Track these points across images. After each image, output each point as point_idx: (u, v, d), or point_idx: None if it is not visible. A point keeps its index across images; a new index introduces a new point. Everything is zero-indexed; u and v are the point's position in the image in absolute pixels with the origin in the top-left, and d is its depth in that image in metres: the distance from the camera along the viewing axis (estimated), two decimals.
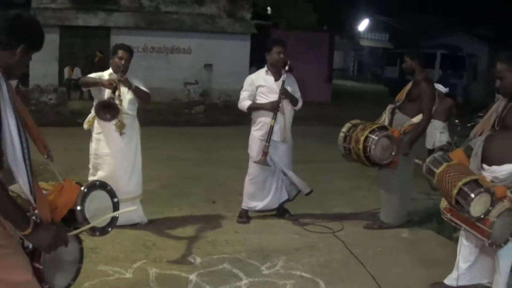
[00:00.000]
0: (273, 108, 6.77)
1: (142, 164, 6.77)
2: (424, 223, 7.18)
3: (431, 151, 9.60)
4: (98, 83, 6.37)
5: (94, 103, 6.48)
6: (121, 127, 6.40)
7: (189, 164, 10.62)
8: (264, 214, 7.26)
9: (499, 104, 4.79)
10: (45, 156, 3.02)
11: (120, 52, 6.51)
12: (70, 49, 19.65)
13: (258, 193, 7.11)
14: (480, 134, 4.85)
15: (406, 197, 7.08)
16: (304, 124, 17.06)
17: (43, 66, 18.25)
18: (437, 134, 10.31)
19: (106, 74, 6.54)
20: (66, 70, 19.91)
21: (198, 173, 9.81)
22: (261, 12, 23.43)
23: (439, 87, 10.27)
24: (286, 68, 6.89)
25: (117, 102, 6.26)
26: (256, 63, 17.38)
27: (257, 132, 7.01)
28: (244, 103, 6.96)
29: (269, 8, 24.96)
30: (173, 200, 7.95)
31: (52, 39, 18.25)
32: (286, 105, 6.91)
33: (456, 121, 10.37)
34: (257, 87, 6.93)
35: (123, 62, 6.46)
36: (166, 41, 21.30)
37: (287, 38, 23.67)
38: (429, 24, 44.54)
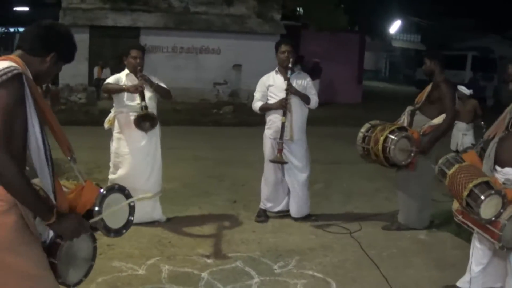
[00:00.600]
0: (281, 106, 6.80)
1: (163, 163, 6.88)
2: (443, 225, 7.13)
3: (457, 153, 9.55)
4: (124, 89, 6.47)
5: (114, 104, 6.61)
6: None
7: (214, 163, 10.71)
8: (283, 214, 7.32)
9: None
10: (69, 158, 3.12)
11: (134, 52, 6.59)
12: (100, 49, 19.87)
13: (272, 194, 7.20)
14: (494, 136, 4.82)
15: (425, 199, 7.02)
16: (333, 125, 17.17)
17: (73, 66, 18.15)
18: (460, 136, 10.28)
19: (123, 75, 6.67)
20: (96, 70, 20.15)
21: (221, 173, 9.89)
22: (290, 14, 23.40)
23: (462, 89, 10.24)
24: (290, 65, 6.85)
25: (142, 104, 6.38)
26: None
27: (267, 131, 7.09)
28: (256, 104, 7.07)
29: (299, 9, 24.92)
30: (194, 199, 8.03)
31: (82, 39, 18.45)
32: (294, 104, 6.91)
33: (482, 123, 10.11)
34: (267, 87, 7.00)
35: (138, 61, 6.55)
36: (195, 42, 21.38)
37: (317, 39, 23.84)
38: (460, 26, 44.20)
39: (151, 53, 20.64)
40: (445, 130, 6.81)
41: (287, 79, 6.85)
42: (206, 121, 17.56)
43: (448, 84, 6.80)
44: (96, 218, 3.09)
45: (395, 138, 6.34)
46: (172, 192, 8.08)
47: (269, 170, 7.14)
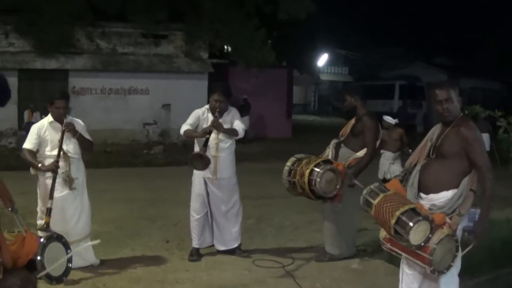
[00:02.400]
0: (204, 134, 6.81)
1: (95, 206, 6.84)
2: (376, 253, 7.27)
3: (385, 182, 9.76)
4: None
5: (39, 150, 6.53)
6: (70, 181, 6.46)
7: (146, 204, 10.66)
8: (216, 250, 7.35)
9: (433, 132, 4.93)
10: (10, 209, 3.10)
11: (58, 102, 6.50)
12: (29, 92, 19.53)
13: (199, 229, 7.23)
14: (416, 163, 4.99)
15: (351, 228, 7.21)
16: (264, 161, 17.31)
17: (2, 110, 18.05)
18: (387, 164, 10.50)
19: (46, 121, 6.62)
20: (26, 113, 19.77)
21: (153, 213, 9.86)
22: (218, 52, 23.61)
23: (388, 119, 10.52)
24: (216, 115, 6.93)
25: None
26: None
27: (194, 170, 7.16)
28: (183, 126, 7.06)
29: (226, 47, 25.16)
30: (126, 241, 7.98)
31: (10, 83, 17.94)
32: (223, 144, 7.05)
33: (410, 150, 10.30)
34: (199, 120, 7.08)
35: (61, 111, 6.49)
36: (124, 82, 21.33)
37: (245, 75, 24.08)
38: (388, 56, 45.34)
39: (80, 95, 20.58)
40: (367, 163, 6.96)
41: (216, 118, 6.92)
42: (137, 162, 17.45)
43: (370, 117, 7.00)
44: (43, 272, 3.10)
45: (321, 171, 6.48)
46: (105, 234, 7.99)
47: (194, 204, 7.21)
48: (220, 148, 7.03)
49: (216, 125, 6.79)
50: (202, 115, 7.10)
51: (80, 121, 6.79)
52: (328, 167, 6.58)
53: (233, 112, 7.24)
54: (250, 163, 16.78)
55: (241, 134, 7.11)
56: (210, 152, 6.89)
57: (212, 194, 7.14)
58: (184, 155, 17.63)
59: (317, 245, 7.81)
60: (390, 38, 44.71)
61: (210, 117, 7.02)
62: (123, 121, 21.07)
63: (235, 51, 22.96)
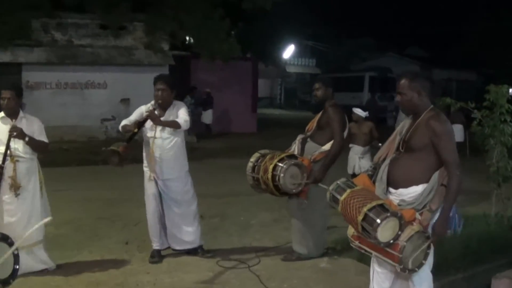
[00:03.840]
0: (135, 126, 6.71)
1: (52, 206, 6.73)
2: (345, 251, 7.27)
3: (354, 177, 9.78)
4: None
5: None
6: (15, 187, 6.33)
7: (105, 204, 10.58)
8: (177, 252, 7.32)
9: (403, 125, 4.94)
10: None
11: (3, 93, 6.39)
12: None
13: (157, 229, 7.21)
14: (385, 158, 5.00)
15: (320, 226, 7.20)
16: (228, 157, 17.30)
17: None
18: (357, 159, 10.52)
19: None
20: None
21: (113, 214, 9.78)
22: (180, 43, 23.45)
23: (358, 111, 10.53)
24: (155, 106, 6.85)
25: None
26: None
27: (146, 169, 7.15)
28: (123, 122, 6.91)
29: (188, 38, 25.01)
30: (84, 243, 7.90)
31: None
32: (162, 141, 6.96)
33: (380, 144, 10.26)
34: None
35: (5, 102, 6.36)
36: (80, 76, 21.08)
37: (208, 68, 24.04)
38: (358, 47, 45.59)
39: (34, 90, 20.28)
40: (335, 155, 6.90)
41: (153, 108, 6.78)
42: (96, 159, 17.18)
43: (335, 107, 7.00)
44: None
45: (284, 166, 6.49)
46: (61, 237, 7.94)
47: (150, 204, 7.17)
48: (162, 148, 6.94)
49: (150, 116, 6.61)
50: (146, 110, 6.88)
51: (36, 120, 6.65)
52: (293, 162, 6.59)
53: (178, 105, 7.08)
54: (214, 160, 16.79)
55: (183, 126, 6.87)
56: (152, 153, 6.85)
57: (163, 194, 7.10)
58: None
59: (284, 244, 7.83)
60: (360, 28, 44.91)
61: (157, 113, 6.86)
62: (80, 117, 20.83)
63: (198, 42, 22.82)
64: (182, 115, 6.93)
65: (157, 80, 6.99)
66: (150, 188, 7.10)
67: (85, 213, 9.85)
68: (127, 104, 21.28)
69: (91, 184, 12.82)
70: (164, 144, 6.94)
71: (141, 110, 6.99)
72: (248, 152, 7.71)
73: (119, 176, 13.71)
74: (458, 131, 17.52)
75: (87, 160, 16.72)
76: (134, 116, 6.98)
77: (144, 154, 7.13)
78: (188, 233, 7.22)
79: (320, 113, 7.19)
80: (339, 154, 7.01)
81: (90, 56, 21.09)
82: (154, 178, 7.01)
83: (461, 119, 16.81)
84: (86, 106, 21.07)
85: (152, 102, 6.98)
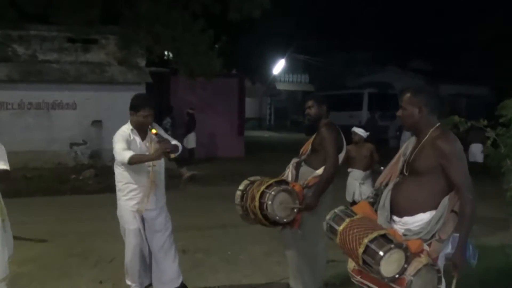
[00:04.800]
0: (159, 156, 6.67)
1: (14, 242, 6.67)
2: (345, 287, 7.26)
3: (353, 205, 9.76)
4: None
5: None
6: None
7: (75, 239, 10.52)
8: None
9: (407, 146, 4.97)
10: None
11: None
12: None
13: (137, 266, 7.12)
14: (388, 182, 5.01)
15: (317, 259, 7.13)
16: (213, 184, 17.29)
17: None
18: (357, 185, 10.49)
19: None
20: None
21: (84, 249, 9.74)
22: (158, 59, 23.40)
23: (359, 131, 10.54)
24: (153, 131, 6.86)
25: None
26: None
27: (128, 202, 6.96)
28: (125, 153, 6.62)
29: (167, 53, 25.01)
30: (52, 283, 7.87)
31: None
32: (160, 168, 7.01)
33: (382, 168, 10.03)
34: (128, 143, 6.80)
35: None
36: (46, 96, 21.00)
37: (189, 86, 23.97)
38: (355, 61, 45.58)
39: None
40: (328, 179, 6.79)
41: (152, 135, 6.79)
42: (64, 189, 17.20)
43: (328, 127, 6.94)
44: None
45: (272, 192, 6.39)
46: (25, 276, 7.89)
47: (133, 239, 7.02)
48: (159, 175, 6.98)
49: (165, 144, 6.61)
50: (129, 137, 6.82)
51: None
52: (281, 188, 6.51)
53: (156, 126, 7.02)
54: (197, 187, 16.75)
55: (180, 148, 6.99)
56: (152, 181, 6.85)
57: (147, 227, 7.03)
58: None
59: (277, 280, 7.85)
60: (357, 41, 44.87)
61: (137, 139, 6.84)
62: (46, 141, 20.79)
63: (177, 57, 22.81)
64: (170, 139, 6.96)
65: (142, 106, 6.82)
66: (133, 223, 6.96)
67: (53, 248, 9.80)
68: (99, 127, 21.26)
69: (59, 217, 12.75)
70: (161, 170, 7.01)
71: (125, 136, 6.79)
72: (234, 178, 7.74)
73: (91, 208, 13.73)
74: (478, 151, 17.62)
75: (54, 190, 16.70)
76: (124, 144, 6.72)
77: (124, 185, 6.93)
78: (173, 270, 7.14)
79: (315, 134, 7.20)
80: (333, 178, 6.88)
81: (57, 73, 21.04)
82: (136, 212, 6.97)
83: (481, 138, 16.89)
84: (53, 129, 21.01)
85: (128, 126, 6.88)
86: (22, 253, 7.25)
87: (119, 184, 6.97)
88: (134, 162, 6.58)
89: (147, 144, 6.90)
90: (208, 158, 24.41)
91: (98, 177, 18.97)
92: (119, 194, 6.99)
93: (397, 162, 5.01)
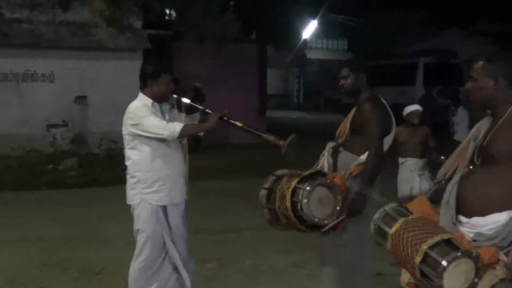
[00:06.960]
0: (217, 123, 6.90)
1: None
2: None
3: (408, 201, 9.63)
4: None
5: None
6: None
7: (53, 245, 10.59)
8: None
9: (479, 128, 4.86)
10: None
11: None
12: None
13: (149, 279, 7.08)
14: (452, 175, 4.96)
15: (364, 271, 7.06)
16: (226, 177, 17.31)
17: None
18: (415, 177, 10.41)
19: None
20: None
21: (65, 258, 9.79)
22: (157, 19, 23.28)
23: (415, 107, 10.41)
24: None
25: None
26: None
27: (154, 195, 6.84)
28: (172, 125, 6.63)
29: (169, 12, 24.88)
30: None
31: None
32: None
33: (442, 157, 9.22)
34: None
35: None
36: (16, 65, 20.81)
37: (196, 53, 23.86)
38: (407, 24, 45.32)
39: None
40: (374, 169, 6.66)
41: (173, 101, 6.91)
42: (39, 182, 17.25)
43: (372, 101, 6.82)
44: None
45: (308, 188, 6.24)
46: None
47: (153, 246, 6.88)
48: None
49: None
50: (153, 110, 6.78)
51: None
52: (318, 182, 6.37)
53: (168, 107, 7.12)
54: (207, 181, 16.75)
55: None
56: (180, 162, 6.92)
57: (174, 225, 6.95)
58: (109, 171, 17.51)
59: None
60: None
61: (160, 115, 6.78)
62: (16, 123, 20.72)
63: (182, 19, 22.72)
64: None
65: (166, 68, 6.95)
66: (156, 225, 6.84)
67: (24, 257, 9.86)
68: (83, 104, 21.05)
69: (33, 217, 12.81)
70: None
71: (149, 108, 6.74)
72: (253, 171, 7.71)
73: (73, 206, 13.77)
74: None
75: (26, 183, 16.75)
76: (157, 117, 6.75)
77: (147, 174, 6.83)
78: (188, 281, 7.12)
79: (353, 111, 7.09)
80: (379, 166, 6.74)
81: (29, 36, 20.86)
82: (163, 206, 6.89)
83: None
84: (24, 107, 20.89)
85: (144, 101, 6.74)
86: None
87: (137, 174, 6.83)
88: (185, 134, 6.72)
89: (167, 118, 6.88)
90: (219, 145, 24.37)
91: (82, 168, 18.99)
92: (138, 186, 6.84)
93: (466, 148, 4.91)
